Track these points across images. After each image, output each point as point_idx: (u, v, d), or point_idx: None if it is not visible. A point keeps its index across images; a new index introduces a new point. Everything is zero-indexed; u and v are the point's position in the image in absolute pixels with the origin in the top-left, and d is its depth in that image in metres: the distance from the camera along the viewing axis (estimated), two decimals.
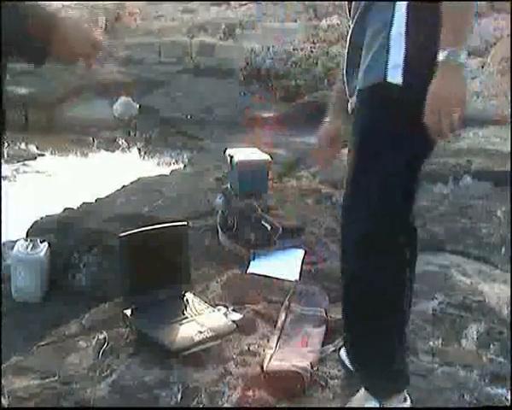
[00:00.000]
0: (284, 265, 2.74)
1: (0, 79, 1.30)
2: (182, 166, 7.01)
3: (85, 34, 1.29)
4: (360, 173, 1.53)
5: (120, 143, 8.59)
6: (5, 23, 1.17)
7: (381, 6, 1.45)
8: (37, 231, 4.25)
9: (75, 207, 4.32)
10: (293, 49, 9.18)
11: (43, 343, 2.17)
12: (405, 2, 1.39)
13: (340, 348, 2.00)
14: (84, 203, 4.35)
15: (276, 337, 2.07)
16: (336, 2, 9.82)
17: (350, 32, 1.58)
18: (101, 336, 2.09)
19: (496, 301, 2.43)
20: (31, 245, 3.93)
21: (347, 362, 1.92)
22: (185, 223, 2.34)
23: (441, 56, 1.32)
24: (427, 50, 1.35)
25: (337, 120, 1.79)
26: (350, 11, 1.59)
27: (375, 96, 1.45)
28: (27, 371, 1.93)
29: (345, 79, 1.62)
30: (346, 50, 1.60)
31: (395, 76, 1.40)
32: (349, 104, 1.64)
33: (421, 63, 1.37)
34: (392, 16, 1.41)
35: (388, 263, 1.53)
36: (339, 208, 3.33)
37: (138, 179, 4.73)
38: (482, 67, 7.41)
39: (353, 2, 1.56)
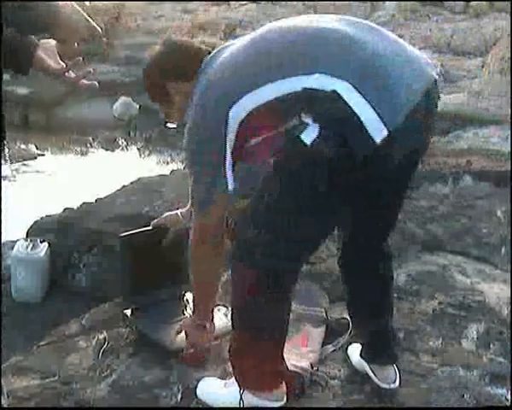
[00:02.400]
0: None
1: None
2: (182, 166, 7.01)
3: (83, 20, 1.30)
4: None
5: (120, 142, 8.59)
6: None
7: None
8: (37, 231, 4.26)
9: (75, 207, 4.32)
10: None
11: (43, 343, 2.17)
12: None
13: (347, 347, 2.00)
14: (84, 203, 4.35)
15: None
16: (336, 3, 9.82)
17: None
18: (101, 336, 2.09)
19: (496, 301, 2.43)
20: (31, 245, 3.93)
21: (353, 360, 1.93)
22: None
23: None
24: None
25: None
26: None
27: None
28: (27, 371, 1.93)
29: None
30: None
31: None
32: None
33: None
34: None
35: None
36: None
37: (138, 179, 4.73)
38: (482, 67, 7.41)
39: None
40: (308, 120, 1.43)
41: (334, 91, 1.38)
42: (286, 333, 1.67)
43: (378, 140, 1.39)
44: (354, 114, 1.38)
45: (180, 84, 1.68)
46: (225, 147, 1.55)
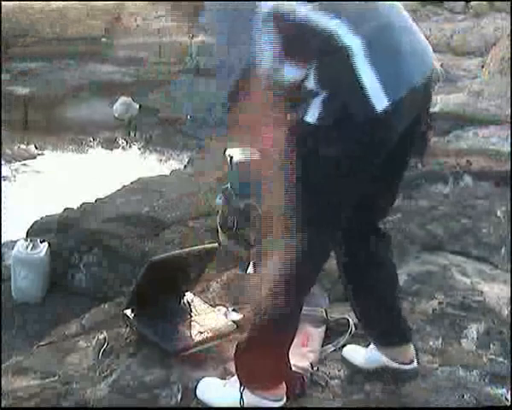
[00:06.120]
0: None
1: None
2: (182, 166, 7.01)
3: None
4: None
5: (120, 142, 8.60)
6: None
7: None
8: (37, 231, 4.26)
9: (75, 208, 4.32)
10: None
11: (43, 343, 2.17)
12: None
13: (342, 347, 2.00)
14: (84, 203, 4.36)
15: None
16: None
17: None
18: (101, 336, 2.09)
19: (496, 301, 2.43)
20: (31, 245, 3.94)
21: (352, 360, 1.93)
22: (216, 245, 2.33)
23: None
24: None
25: None
26: None
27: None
28: (27, 371, 1.93)
29: None
30: None
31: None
32: None
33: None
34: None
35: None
36: None
37: (138, 179, 4.74)
38: (482, 67, 7.40)
39: None
40: (311, 84, 1.43)
41: (346, 48, 1.39)
42: (295, 334, 1.67)
43: (379, 109, 1.40)
44: (358, 79, 1.39)
45: None
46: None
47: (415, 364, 1.84)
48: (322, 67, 1.43)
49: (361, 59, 1.40)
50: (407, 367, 1.83)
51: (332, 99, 1.43)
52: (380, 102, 1.40)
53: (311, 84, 1.44)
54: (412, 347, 1.85)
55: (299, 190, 1.49)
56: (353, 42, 1.40)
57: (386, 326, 1.84)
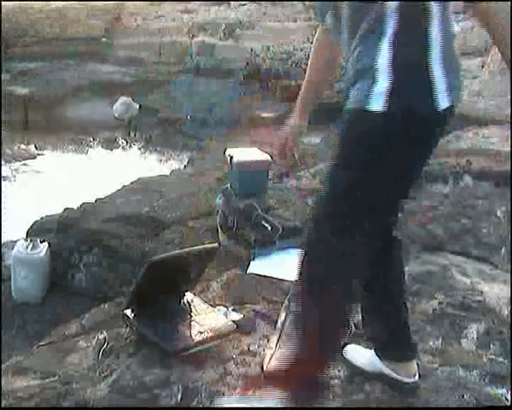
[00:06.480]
0: (284, 265, 2.74)
1: None
2: (182, 166, 7.02)
3: None
4: (329, 184, 1.59)
5: (120, 142, 8.60)
6: None
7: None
8: (37, 231, 4.26)
9: (75, 208, 4.32)
10: (294, 49, 9.19)
11: (43, 343, 2.17)
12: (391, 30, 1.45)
13: (342, 347, 2.00)
14: (84, 203, 4.35)
15: (276, 337, 2.07)
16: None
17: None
18: (101, 336, 2.09)
19: (496, 301, 2.43)
20: (31, 245, 3.94)
21: (353, 360, 1.93)
22: (216, 245, 2.33)
23: None
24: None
25: (301, 121, 1.84)
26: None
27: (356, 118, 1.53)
28: (27, 371, 1.93)
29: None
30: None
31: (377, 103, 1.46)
32: None
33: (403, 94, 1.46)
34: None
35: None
36: None
37: (138, 179, 4.74)
38: (482, 67, 7.41)
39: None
40: (382, 63, 1.43)
41: (428, 39, 1.43)
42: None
43: (441, 107, 1.44)
44: (430, 72, 1.43)
45: None
46: None
47: (416, 378, 1.81)
48: (399, 46, 1.43)
49: (437, 55, 1.44)
50: (409, 381, 1.81)
51: (400, 86, 1.43)
52: (443, 101, 1.45)
53: (382, 62, 1.43)
54: (415, 363, 1.82)
55: (356, 174, 1.50)
56: (436, 37, 1.44)
57: (391, 334, 1.81)
